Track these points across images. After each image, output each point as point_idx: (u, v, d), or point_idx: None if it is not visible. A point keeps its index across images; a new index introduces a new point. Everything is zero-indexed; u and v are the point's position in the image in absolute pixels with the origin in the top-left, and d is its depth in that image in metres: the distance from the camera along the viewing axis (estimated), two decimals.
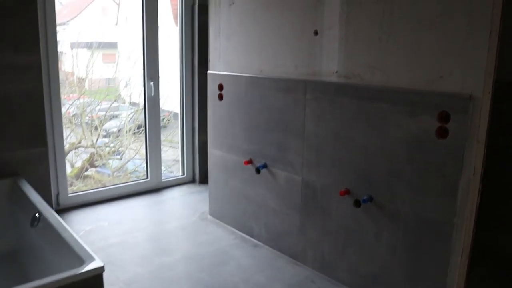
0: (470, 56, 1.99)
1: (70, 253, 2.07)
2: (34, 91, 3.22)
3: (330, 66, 2.61)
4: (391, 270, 2.43)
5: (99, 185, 5.95)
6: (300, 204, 2.90)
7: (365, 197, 2.46)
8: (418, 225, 2.27)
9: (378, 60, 2.36)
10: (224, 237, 3.35)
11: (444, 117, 2.08)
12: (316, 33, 2.66)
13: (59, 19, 3.52)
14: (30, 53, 3.17)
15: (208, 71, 3.52)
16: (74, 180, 6.01)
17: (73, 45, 6.40)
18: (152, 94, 4.10)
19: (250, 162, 3.18)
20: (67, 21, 6.85)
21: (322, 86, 2.65)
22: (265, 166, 3.08)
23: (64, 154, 3.70)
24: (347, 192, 2.56)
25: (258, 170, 3.11)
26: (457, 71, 2.05)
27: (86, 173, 6.21)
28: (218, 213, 3.63)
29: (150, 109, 4.16)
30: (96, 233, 3.32)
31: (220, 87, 3.37)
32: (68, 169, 5.99)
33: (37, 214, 2.54)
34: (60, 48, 3.36)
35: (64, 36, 6.49)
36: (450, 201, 2.12)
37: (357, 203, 2.51)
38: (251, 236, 3.32)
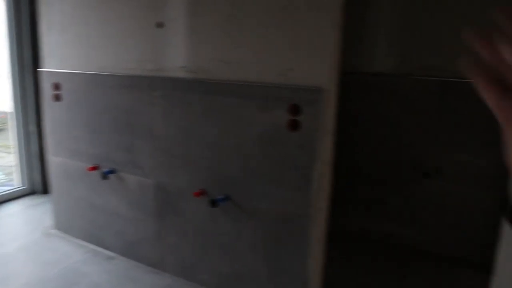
0: (317, 48, 1.99)
1: None
2: None
3: (176, 61, 2.45)
4: (254, 267, 2.38)
5: None
6: (154, 209, 2.71)
7: (221, 197, 2.36)
8: (277, 220, 2.24)
9: (227, 54, 2.26)
10: (72, 252, 3.02)
11: (295, 109, 2.06)
12: (159, 25, 2.47)
13: None
14: None
15: (40, 69, 3.12)
16: None
17: None
18: None
19: (95, 168, 2.89)
20: None
21: (169, 83, 2.48)
22: (112, 171, 2.82)
23: None
24: (202, 193, 2.44)
25: (104, 176, 2.84)
26: (305, 63, 2.04)
27: None
28: (64, 226, 3.27)
29: None
30: None
31: (56, 87, 3.01)
32: None
33: None
34: None
35: None
36: (305, 193, 2.12)
37: (213, 203, 2.40)
38: (104, 247, 3.04)
